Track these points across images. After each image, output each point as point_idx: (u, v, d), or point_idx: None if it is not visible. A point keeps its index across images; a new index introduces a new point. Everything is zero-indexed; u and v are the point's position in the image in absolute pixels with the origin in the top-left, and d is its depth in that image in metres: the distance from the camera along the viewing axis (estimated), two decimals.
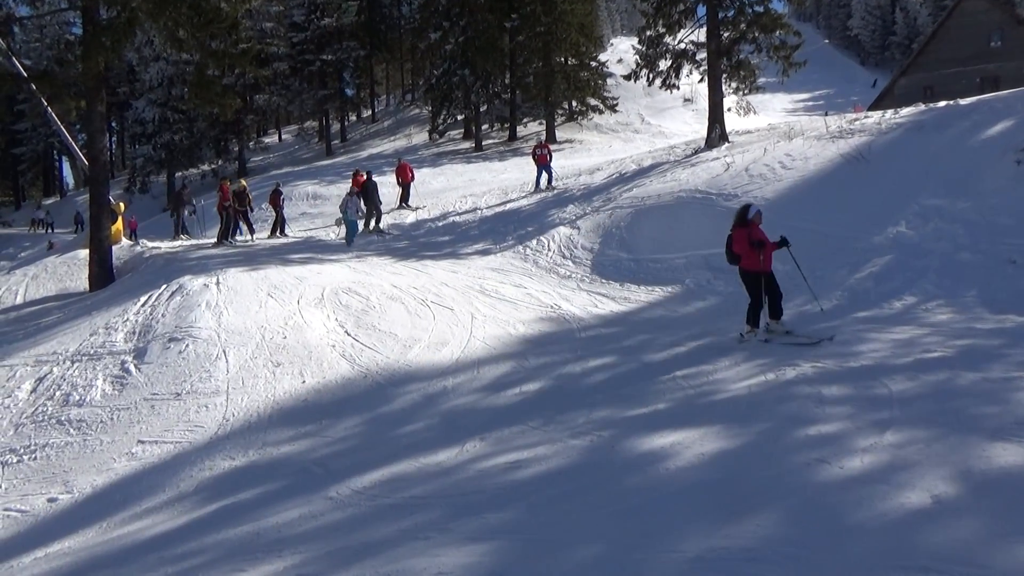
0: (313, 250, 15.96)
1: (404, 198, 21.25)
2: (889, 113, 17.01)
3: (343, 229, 17.79)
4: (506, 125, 40.00)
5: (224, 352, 9.38)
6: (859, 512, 4.21)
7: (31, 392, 9.17)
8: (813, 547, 3.94)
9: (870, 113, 19.83)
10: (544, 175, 19.53)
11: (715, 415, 6.24)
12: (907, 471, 4.63)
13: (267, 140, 53.33)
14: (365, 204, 18.40)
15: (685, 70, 21.54)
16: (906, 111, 16.54)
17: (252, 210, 20.67)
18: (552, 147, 35.69)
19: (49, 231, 31.56)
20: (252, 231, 20.30)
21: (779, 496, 4.59)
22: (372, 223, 18.24)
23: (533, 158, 20.32)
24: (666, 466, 5.30)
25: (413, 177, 21.93)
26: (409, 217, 19.60)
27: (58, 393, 8.98)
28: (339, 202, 18.86)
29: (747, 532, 4.15)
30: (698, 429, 5.88)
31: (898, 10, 74.68)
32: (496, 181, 25.13)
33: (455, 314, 10.82)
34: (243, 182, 21.06)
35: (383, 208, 19.13)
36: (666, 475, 5.17)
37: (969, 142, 12.86)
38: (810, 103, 55.50)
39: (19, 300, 14.93)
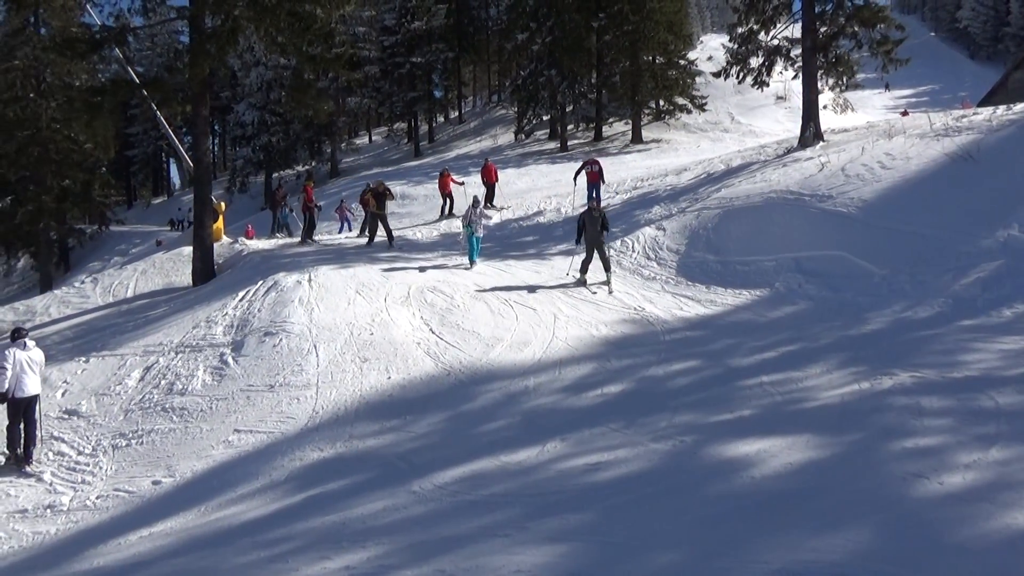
0: (400, 249, 16.30)
1: (489, 198, 21.47)
2: (1001, 109, 15.99)
3: (466, 243, 14.78)
4: (592, 125, 39.76)
5: (315, 347, 9.73)
6: (960, 531, 3.99)
7: (139, 380, 9.77)
8: (908, 565, 3.76)
9: (979, 109, 18.71)
10: (596, 195, 17.22)
11: (804, 423, 6.03)
12: (1014, 490, 4.35)
13: (358, 141, 54.79)
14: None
15: (778, 67, 20.84)
16: (1020, 107, 15.51)
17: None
18: (638, 147, 35.50)
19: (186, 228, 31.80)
20: (390, 235, 17.55)
21: (872, 510, 4.40)
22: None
23: (578, 174, 18.76)
24: (751, 474, 5.16)
25: (498, 178, 22.13)
26: (494, 217, 19.79)
27: (163, 382, 9.53)
28: (434, 204, 18.30)
29: (836, 546, 4.00)
30: (786, 437, 5.71)
31: None
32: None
33: (537, 314, 10.85)
34: (383, 183, 18.91)
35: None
36: (751, 484, 5.03)
37: None
38: (914, 100, 52.77)
39: (130, 293, 15.90)
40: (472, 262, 13.81)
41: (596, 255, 12.39)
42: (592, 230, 12.34)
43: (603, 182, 18.72)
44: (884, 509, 4.38)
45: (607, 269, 12.41)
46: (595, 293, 11.87)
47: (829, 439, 5.60)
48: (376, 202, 16.91)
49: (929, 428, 5.54)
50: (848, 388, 6.79)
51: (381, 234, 17.24)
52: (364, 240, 19.43)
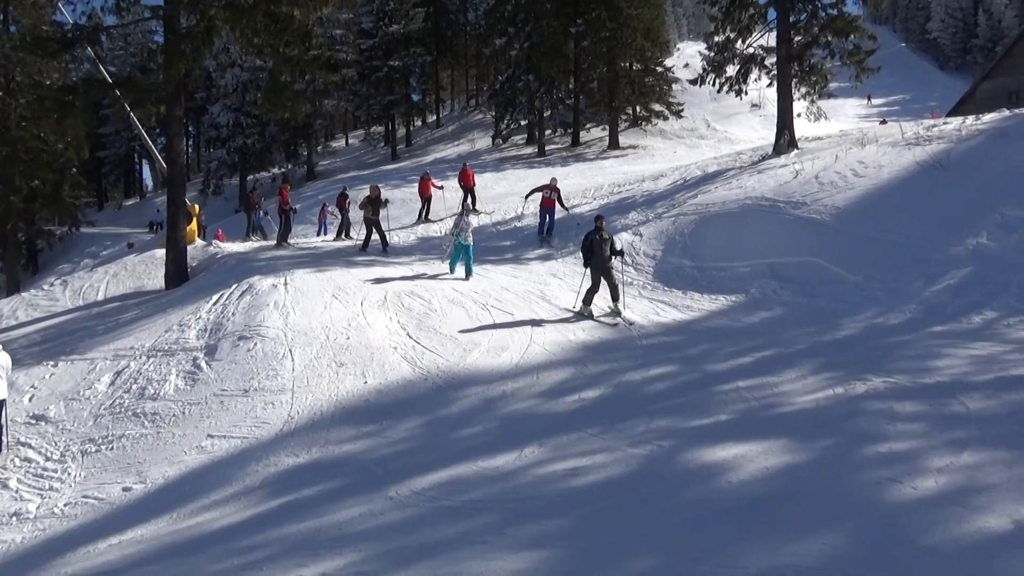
0: (376, 253, 16.22)
1: (472, 202, 21.35)
2: (970, 119, 16.31)
3: (450, 250, 13.93)
4: (569, 130, 39.95)
5: (290, 351, 9.63)
6: (933, 535, 4.04)
7: (110, 385, 9.59)
8: (883, 569, 3.80)
9: (949, 119, 19.06)
10: (548, 222, 16.02)
11: (780, 428, 6.09)
12: (986, 494, 4.42)
13: (335, 144, 54.53)
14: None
15: (753, 75, 21.08)
16: (988, 117, 15.83)
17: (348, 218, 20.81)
18: (615, 153, 35.69)
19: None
20: (384, 240, 17.01)
21: (847, 514, 4.44)
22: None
23: (530, 195, 17.37)
24: (728, 479, 5.19)
25: (475, 182, 22.08)
26: (472, 222, 19.71)
27: (134, 386, 9.37)
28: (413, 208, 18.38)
29: (813, 550, 4.03)
30: (762, 442, 5.75)
31: (981, 11, 71.76)
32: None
33: (515, 319, 10.84)
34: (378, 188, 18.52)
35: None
36: (728, 488, 5.06)
37: None
38: (885, 108, 53.68)
39: (100, 296, 15.62)
40: (453, 269, 13.35)
41: (604, 283, 10.95)
42: (600, 257, 10.91)
43: (565, 209, 16.55)
44: (859, 513, 4.43)
45: (616, 299, 10.97)
46: (615, 325, 10.63)
47: (804, 444, 5.65)
48: (372, 207, 16.52)
49: (902, 433, 5.61)
50: (823, 393, 6.87)
51: (373, 238, 17.12)
52: (344, 243, 19.31)
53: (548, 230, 15.93)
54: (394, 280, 12.69)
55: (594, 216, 12.25)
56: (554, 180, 16.75)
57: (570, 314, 11.18)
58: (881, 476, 4.85)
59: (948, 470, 4.80)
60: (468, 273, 13.11)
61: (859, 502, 4.56)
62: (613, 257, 11.16)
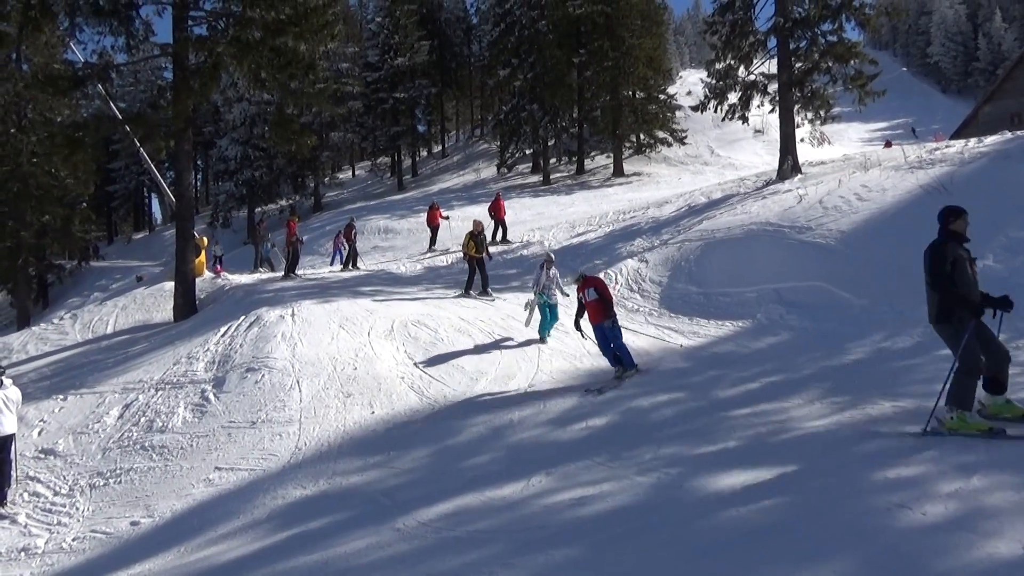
0: (384, 283, 16.30)
1: (503, 234, 20.51)
2: (972, 142, 16.37)
3: (531, 315, 11.68)
4: (574, 158, 40.25)
5: (298, 382, 9.65)
6: (943, 561, 4.00)
7: (118, 418, 9.63)
8: None
9: (952, 142, 19.14)
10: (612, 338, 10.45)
11: (788, 454, 6.05)
12: (996, 519, 4.37)
13: (341, 176, 55.03)
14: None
15: (755, 101, 21.28)
16: (991, 140, 15.89)
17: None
18: (620, 180, 35.86)
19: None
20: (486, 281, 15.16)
21: (856, 542, 4.40)
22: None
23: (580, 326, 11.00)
24: (737, 507, 5.16)
25: (505, 213, 21.30)
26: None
27: (143, 419, 9.40)
28: (418, 239, 18.20)
29: None
30: (770, 469, 5.71)
31: (981, 35, 72.30)
32: (564, 215, 25.24)
33: (522, 347, 10.85)
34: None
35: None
36: (736, 516, 5.02)
37: None
38: (888, 132, 53.91)
39: (110, 329, 15.73)
40: (545, 336, 11.11)
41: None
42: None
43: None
44: (868, 540, 4.39)
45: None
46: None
47: (813, 470, 5.61)
48: (475, 245, 14.37)
49: (911, 458, 5.57)
50: (831, 418, 6.83)
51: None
52: (351, 273, 19.41)
53: (617, 352, 9.69)
54: (401, 309, 12.72)
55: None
56: (582, 275, 10.34)
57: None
58: (890, 502, 4.81)
59: (957, 495, 4.75)
60: (543, 335, 11.19)
61: (868, 528, 4.52)
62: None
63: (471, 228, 15.03)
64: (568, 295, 11.59)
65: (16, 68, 29.65)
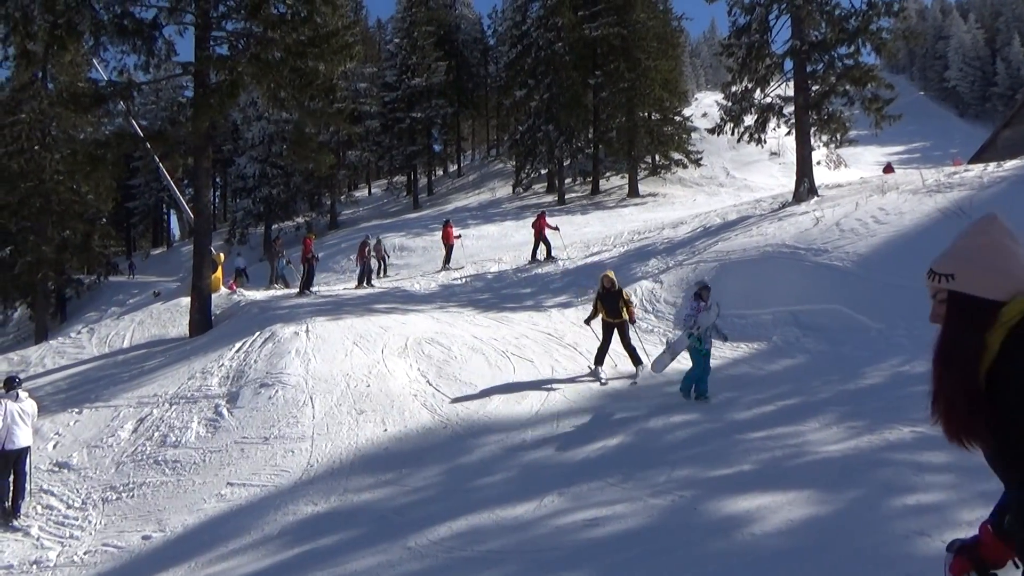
0: (398, 300, 16.33)
1: (547, 251, 19.80)
2: (992, 166, 16.27)
3: (670, 360, 9.81)
4: (589, 179, 40.37)
5: (311, 399, 9.66)
6: None
7: (132, 432, 9.67)
8: None
9: (971, 166, 19.02)
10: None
11: (804, 479, 5.97)
12: None
13: (357, 194, 55.48)
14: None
15: (772, 124, 21.27)
16: (1010, 164, 15.79)
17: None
18: (635, 200, 35.91)
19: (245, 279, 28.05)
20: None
21: (874, 569, 4.32)
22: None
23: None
24: (751, 531, 5.09)
25: (554, 227, 20.25)
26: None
27: (156, 434, 9.43)
28: (436, 255, 18.19)
29: None
30: (786, 493, 5.63)
31: (999, 60, 72.09)
32: (578, 234, 25.24)
33: (535, 366, 10.82)
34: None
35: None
36: (751, 540, 4.95)
37: None
38: (905, 156, 53.69)
39: (126, 344, 15.85)
40: (705, 395, 8.89)
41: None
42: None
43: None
44: (886, 568, 4.31)
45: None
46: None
47: (830, 495, 5.53)
48: (605, 308, 10.46)
49: (930, 484, 5.48)
50: (848, 443, 6.74)
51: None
52: (365, 291, 19.45)
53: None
54: (415, 327, 12.73)
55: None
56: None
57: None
58: (909, 529, 4.73)
59: (978, 523, 4.67)
60: (701, 390, 8.94)
61: (886, 556, 4.44)
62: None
63: (600, 285, 10.60)
64: (728, 338, 9.68)
65: (41, 86, 30.23)
